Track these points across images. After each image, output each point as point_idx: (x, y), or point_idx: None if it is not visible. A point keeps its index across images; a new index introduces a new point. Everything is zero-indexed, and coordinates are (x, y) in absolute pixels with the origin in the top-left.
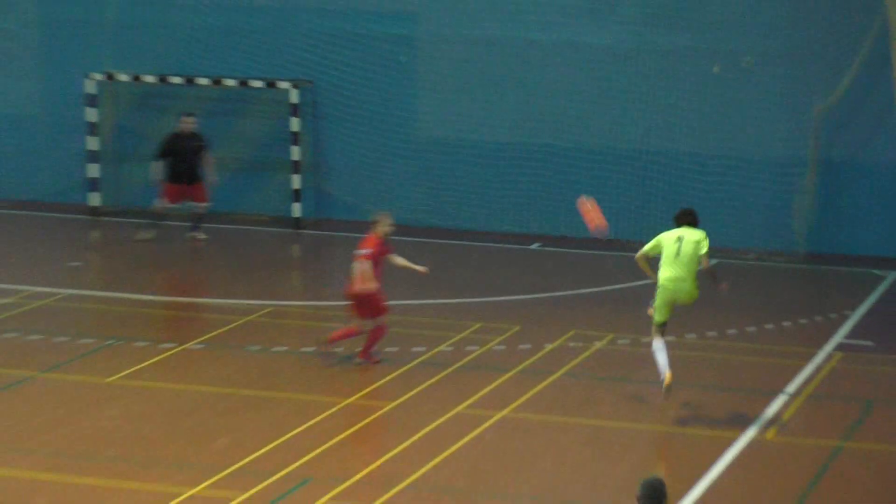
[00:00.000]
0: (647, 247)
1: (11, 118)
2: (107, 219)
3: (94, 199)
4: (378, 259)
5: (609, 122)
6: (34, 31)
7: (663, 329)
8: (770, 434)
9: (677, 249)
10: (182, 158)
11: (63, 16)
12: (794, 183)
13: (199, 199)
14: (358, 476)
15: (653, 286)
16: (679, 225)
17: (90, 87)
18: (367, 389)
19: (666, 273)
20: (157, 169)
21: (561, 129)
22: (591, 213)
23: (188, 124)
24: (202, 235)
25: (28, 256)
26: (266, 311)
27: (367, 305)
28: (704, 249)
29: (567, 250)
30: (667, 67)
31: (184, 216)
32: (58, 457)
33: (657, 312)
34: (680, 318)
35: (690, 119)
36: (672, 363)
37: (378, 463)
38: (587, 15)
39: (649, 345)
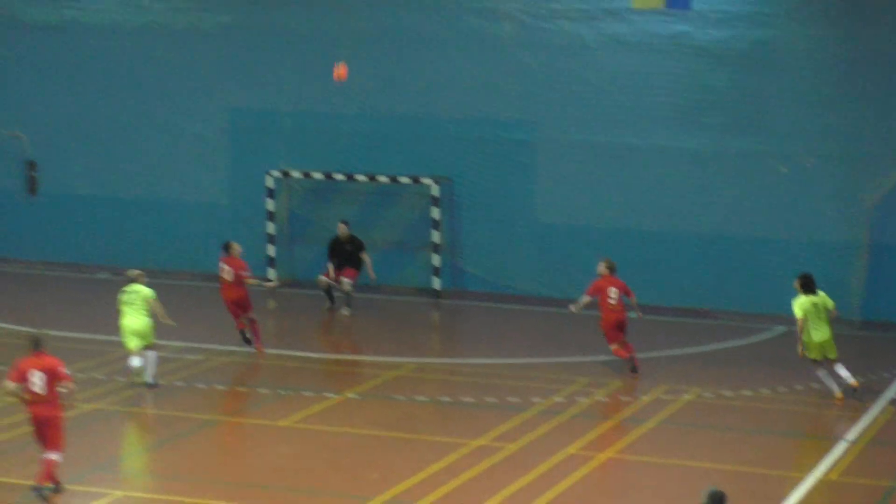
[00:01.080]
0: (800, 313)
1: (203, 206)
2: (282, 289)
3: (272, 274)
4: None
5: (694, 210)
6: (225, 135)
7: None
8: (833, 475)
9: (818, 312)
10: (341, 260)
11: (248, 123)
12: (849, 261)
13: (347, 276)
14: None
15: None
16: (806, 291)
17: (269, 182)
18: (494, 433)
19: (817, 337)
20: (327, 270)
21: (654, 216)
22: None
23: (343, 230)
24: (347, 311)
25: (215, 321)
26: (411, 366)
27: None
28: (832, 304)
29: (658, 317)
30: (742, 166)
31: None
32: (239, 487)
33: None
34: (756, 375)
35: (762, 209)
36: (751, 411)
37: (503, 494)
38: (675, 123)
39: (730, 398)
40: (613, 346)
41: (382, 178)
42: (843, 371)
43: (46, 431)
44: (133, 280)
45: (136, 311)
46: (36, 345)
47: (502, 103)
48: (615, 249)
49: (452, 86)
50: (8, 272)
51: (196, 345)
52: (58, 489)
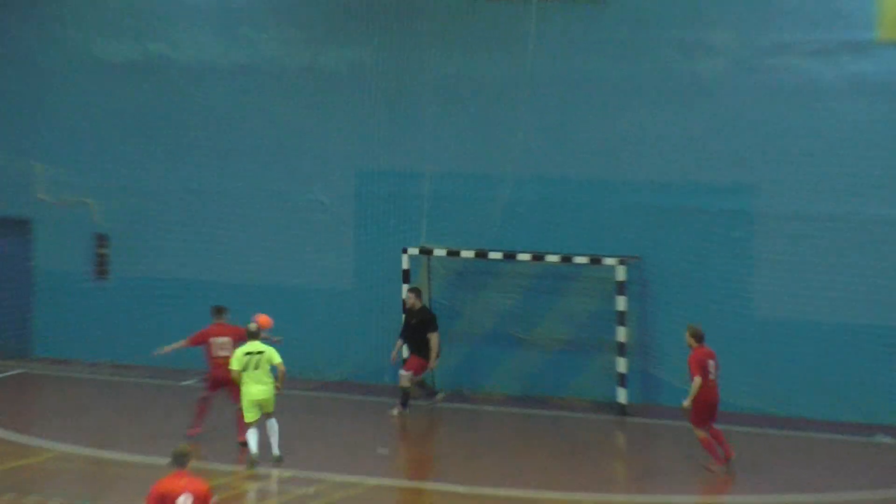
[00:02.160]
0: None
1: (323, 293)
2: (413, 402)
3: (405, 381)
4: None
5: None
6: (351, 204)
7: None
8: None
9: None
10: (407, 333)
11: (378, 190)
12: None
13: (407, 368)
14: None
15: None
16: None
17: (405, 262)
18: None
19: None
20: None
21: None
22: None
23: (410, 299)
24: (395, 411)
25: (333, 442)
26: None
27: None
28: None
29: None
30: None
31: (484, 397)
32: None
33: None
34: None
35: None
36: None
37: None
38: None
39: None
40: (702, 433)
41: (552, 258)
42: None
43: None
44: (253, 335)
45: (262, 376)
46: (180, 462)
47: (710, 163)
48: (852, 352)
49: (643, 142)
50: (70, 377)
51: (306, 473)
52: None
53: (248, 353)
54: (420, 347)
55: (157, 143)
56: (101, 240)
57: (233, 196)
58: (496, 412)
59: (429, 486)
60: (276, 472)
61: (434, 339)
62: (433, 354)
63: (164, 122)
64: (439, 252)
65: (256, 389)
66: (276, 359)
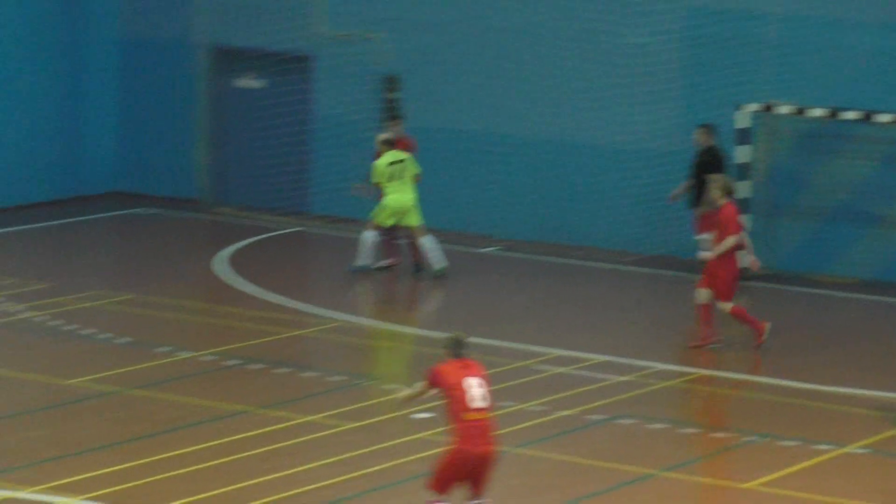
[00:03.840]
0: None
1: (643, 154)
2: (754, 284)
3: (743, 260)
4: None
5: None
6: (676, 49)
7: None
8: None
9: None
10: (692, 173)
11: (712, 32)
12: None
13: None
14: None
15: None
16: None
17: (742, 121)
18: None
19: None
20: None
21: None
22: None
23: (699, 135)
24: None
25: (652, 326)
26: None
27: None
28: None
29: None
30: None
31: (833, 282)
32: None
33: None
34: None
35: None
36: None
37: None
38: None
39: None
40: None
41: None
42: None
43: (484, 472)
44: (389, 144)
45: (404, 186)
46: (458, 348)
47: None
48: None
49: None
50: (348, 238)
51: (624, 360)
52: None
53: (392, 163)
54: (701, 190)
55: None
56: (391, 82)
57: (538, 36)
58: (846, 298)
59: (756, 380)
60: (585, 357)
61: (717, 181)
62: (711, 195)
63: None
64: (784, 110)
65: (398, 198)
66: (415, 168)
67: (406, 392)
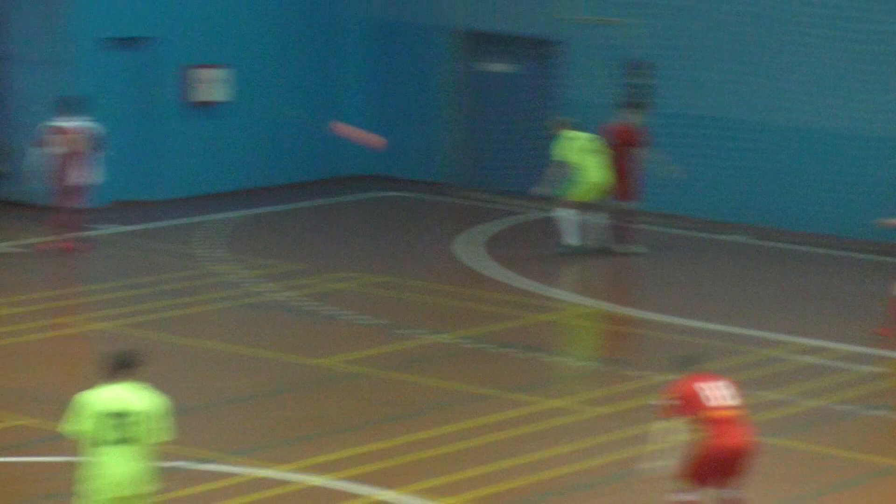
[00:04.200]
0: None
1: (878, 141)
2: None
3: None
4: None
5: None
6: None
7: None
8: None
9: None
10: None
11: None
12: None
13: None
14: None
15: None
16: None
17: None
18: None
19: None
20: None
21: None
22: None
23: None
24: None
25: None
26: None
27: None
28: None
29: None
30: None
31: None
32: None
33: None
34: None
35: None
36: None
37: None
38: None
39: None
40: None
41: None
42: None
43: (738, 466)
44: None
45: (600, 163)
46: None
47: None
48: None
49: None
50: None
51: (872, 351)
52: None
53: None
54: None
55: None
56: (638, 68)
57: (788, 23)
58: None
59: None
60: (827, 346)
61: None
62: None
63: None
64: None
65: (599, 174)
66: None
67: (660, 428)
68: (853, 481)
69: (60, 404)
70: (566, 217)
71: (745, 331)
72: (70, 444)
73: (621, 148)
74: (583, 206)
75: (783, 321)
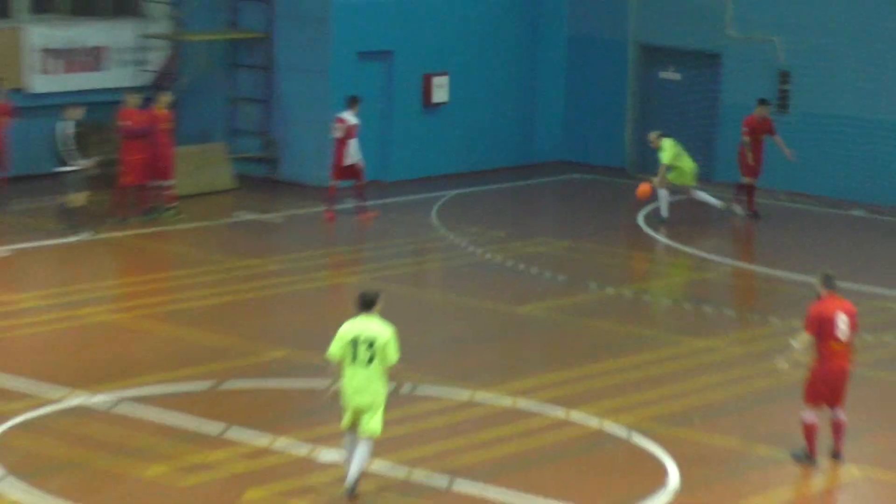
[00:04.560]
0: None
1: None
2: None
3: None
4: None
5: None
6: None
7: None
8: None
9: None
10: None
11: None
12: None
13: None
14: None
15: None
16: None
17: None
18: None
19: None
20: None
21: None
22: None
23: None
24: None
25: None
26: None
27: None
28: None
29: None
30: None
31: None
32: None
33: None
34: None
35: None
36: None
37: None
38: None
39: None
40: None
41: None
42: None
43: (841, 389)
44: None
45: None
46: (829, 283)
47: None
48: None
49: None
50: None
51: None
52: (811, 460)
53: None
54: None
55: None
56: (784, 75)
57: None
58: None
59: None
60: None
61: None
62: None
63: None
64: None
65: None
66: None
67: (798, 346)
68: None
69: (323, 339)
70: (666, 195)
71: (863, 287)
72: (326, 370)
73: (753, 134)
74: (682, 189)
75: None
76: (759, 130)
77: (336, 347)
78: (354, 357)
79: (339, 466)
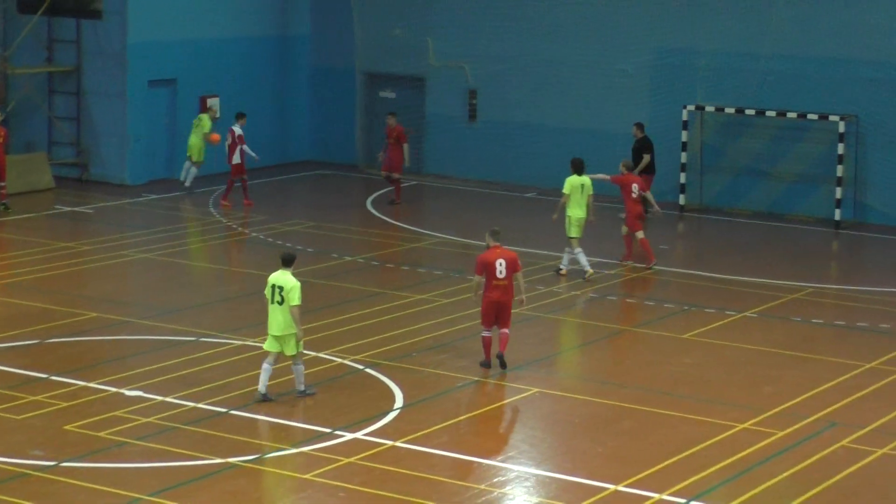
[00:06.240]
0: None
1: (621, 137)
2: (689, 214)
3: (682, 200)
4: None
5: None
6: (646, 72)
7: None
8: None
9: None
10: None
11: (667, 61)
12: None
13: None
14: (875, 424)
15: None
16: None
17: (685, 115)
18: (888, 356)
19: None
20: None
21: None
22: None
23: (634, 131)
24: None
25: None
26: (807, 291)
27: None
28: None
29: None
30: None
31: (738, 212)
32: (641, 391)
33: None
34: None
35: None
36: None
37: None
38: None
39: None
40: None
41: (791, 115)
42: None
43: (504, 313)
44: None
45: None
46: (495, 237)
47: None
48: None
49: (867, 27)
50: (449, 188)
51: (612, 260)
52: (486, 364)
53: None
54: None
55: (512, 25)
56: (472, 93)
57: (562, 63)
58: (746, 223)
59: (695, 272)
60: (599, 260)
61: (646, 158)
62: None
63: (516, 8)
64: (710, 108)
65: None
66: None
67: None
68: (593, 340)
69: (128, 302)
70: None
71: (531, 250)
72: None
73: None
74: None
75: None
76: (394, 136)
77: (266, 290)
78: (272, 298)
79: (143, 400)
